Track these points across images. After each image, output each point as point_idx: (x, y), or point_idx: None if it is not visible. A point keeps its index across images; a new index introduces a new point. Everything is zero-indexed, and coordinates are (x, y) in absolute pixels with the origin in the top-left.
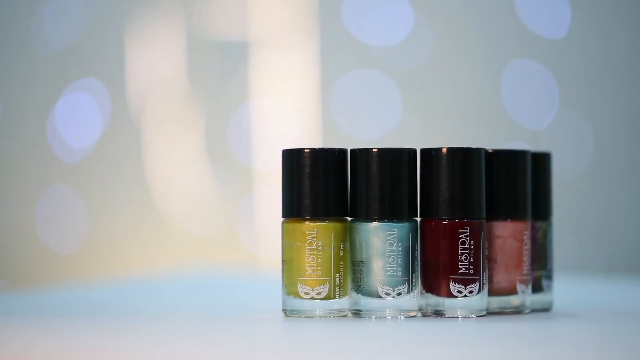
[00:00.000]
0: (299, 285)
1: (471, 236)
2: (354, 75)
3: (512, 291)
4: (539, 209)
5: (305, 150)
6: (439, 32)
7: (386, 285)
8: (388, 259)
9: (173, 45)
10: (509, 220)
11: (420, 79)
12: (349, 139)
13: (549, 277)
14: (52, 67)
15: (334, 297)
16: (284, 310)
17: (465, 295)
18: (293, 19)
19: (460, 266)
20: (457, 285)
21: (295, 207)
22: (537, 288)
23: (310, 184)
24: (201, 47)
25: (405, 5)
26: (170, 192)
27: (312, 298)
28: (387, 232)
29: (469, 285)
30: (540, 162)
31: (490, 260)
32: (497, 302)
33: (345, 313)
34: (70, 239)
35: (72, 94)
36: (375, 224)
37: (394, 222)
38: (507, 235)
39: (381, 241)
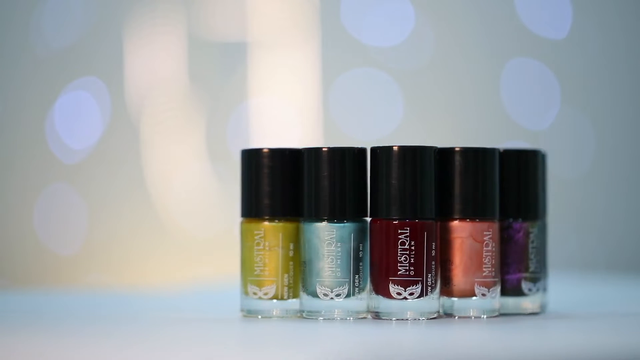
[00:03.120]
0: (248, 285)
1: (411, 237)
2: (354, 75)
3: (471, 294)
4: (527, 209)
5: (264, 150)
6: (440, 32)
7: (324, 286)
8: (327, 260)
9: (173, 45)
10: (468, 220)
11: (421, 79)
12: (350, 139)
13: (534, 280)
14: (51, 67)
15: (283, 298)
16: (242, 311)
17: (405, 298)
18: (293, 19)
19: (399, 267)
20: (396, 287)
21: (248, 207)
22: (517, 291)
23: (262, 184)
24: (201, 47)
25: (406, 5)
26: (170, 192)
27: (260, 298)
28: (326, 233)
29: (410, 287)
30: (529, 160)
31: (447, 261)
32: (458, 304)
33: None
34: (69, 239)
35: (72, 93)
36: (316, 224)
37: (336, 223)
38: (465, 235)
39: (320, 242)
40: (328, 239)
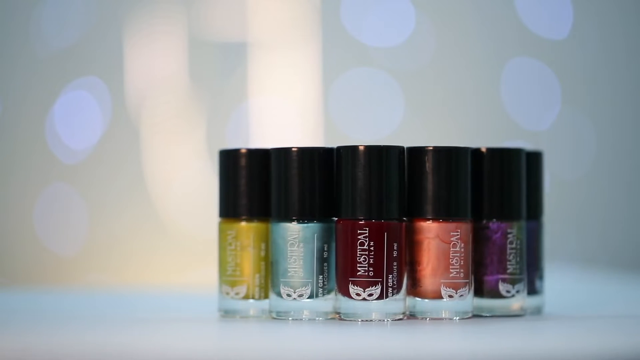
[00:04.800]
0: (222, 285)
1: (370, 237)
2: (354, 75)
3: (437, 295)
4: (506, 209)
5: (241, 151)
6: (440, 32)
7: (287, 287)
8: (289, 260)
9: (173, 45)
10: (441, 220)
11: (421, 79)
12: (350, 139)
13: (513, 281)
14: (51, 67)
15: (254, 298)
16: (219, 311)
17: (364, 299)
18: (293, 19)
19: (358, 268)
20: (355, 287)
21: (224, 207)
22: (495, 293)
23: (239, 184)
24: (201, 47)
25: (406, 5)
26: (170, 192)
27: (232, 298)
28: (289, 233)
29: (369, 288)
30: (512, 160)
31: (415, 262)
32: (427, 306)
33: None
34: (69, 239)
35: (72, 93)
36: (281, 224)
37: (301, 223)
38: (432, 236)
39: (284, 242)
40: (291, 240)
